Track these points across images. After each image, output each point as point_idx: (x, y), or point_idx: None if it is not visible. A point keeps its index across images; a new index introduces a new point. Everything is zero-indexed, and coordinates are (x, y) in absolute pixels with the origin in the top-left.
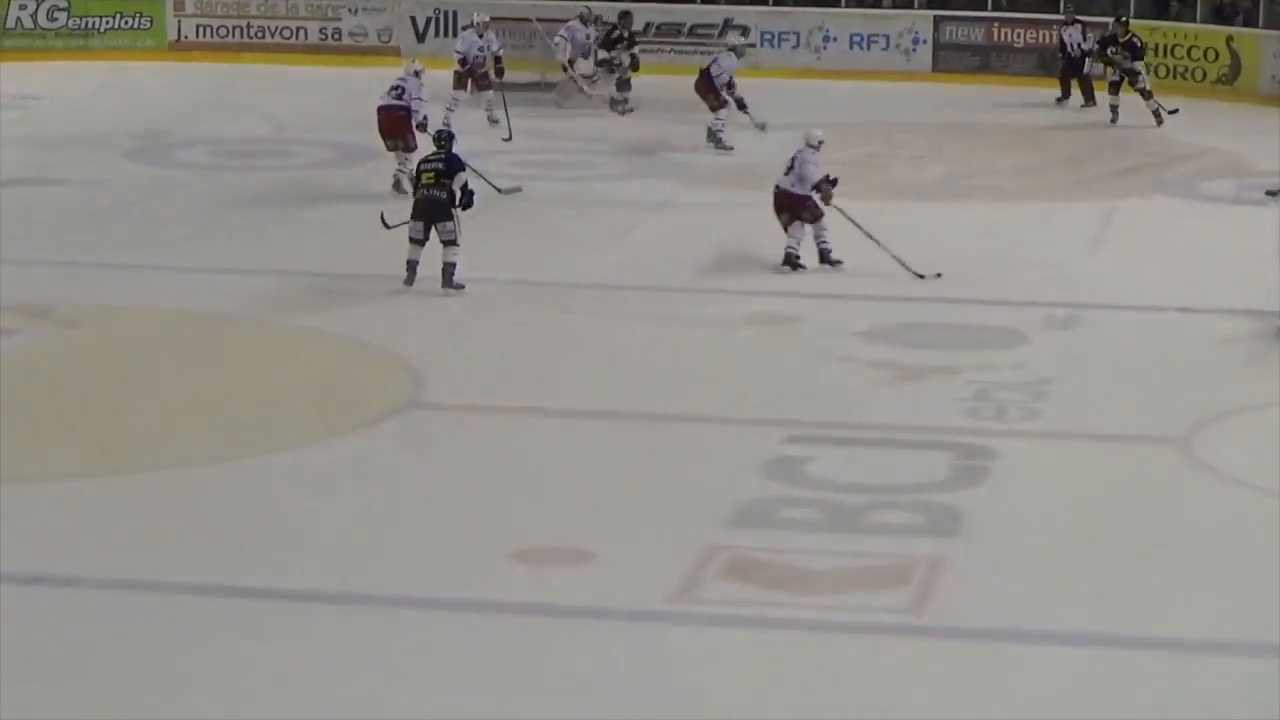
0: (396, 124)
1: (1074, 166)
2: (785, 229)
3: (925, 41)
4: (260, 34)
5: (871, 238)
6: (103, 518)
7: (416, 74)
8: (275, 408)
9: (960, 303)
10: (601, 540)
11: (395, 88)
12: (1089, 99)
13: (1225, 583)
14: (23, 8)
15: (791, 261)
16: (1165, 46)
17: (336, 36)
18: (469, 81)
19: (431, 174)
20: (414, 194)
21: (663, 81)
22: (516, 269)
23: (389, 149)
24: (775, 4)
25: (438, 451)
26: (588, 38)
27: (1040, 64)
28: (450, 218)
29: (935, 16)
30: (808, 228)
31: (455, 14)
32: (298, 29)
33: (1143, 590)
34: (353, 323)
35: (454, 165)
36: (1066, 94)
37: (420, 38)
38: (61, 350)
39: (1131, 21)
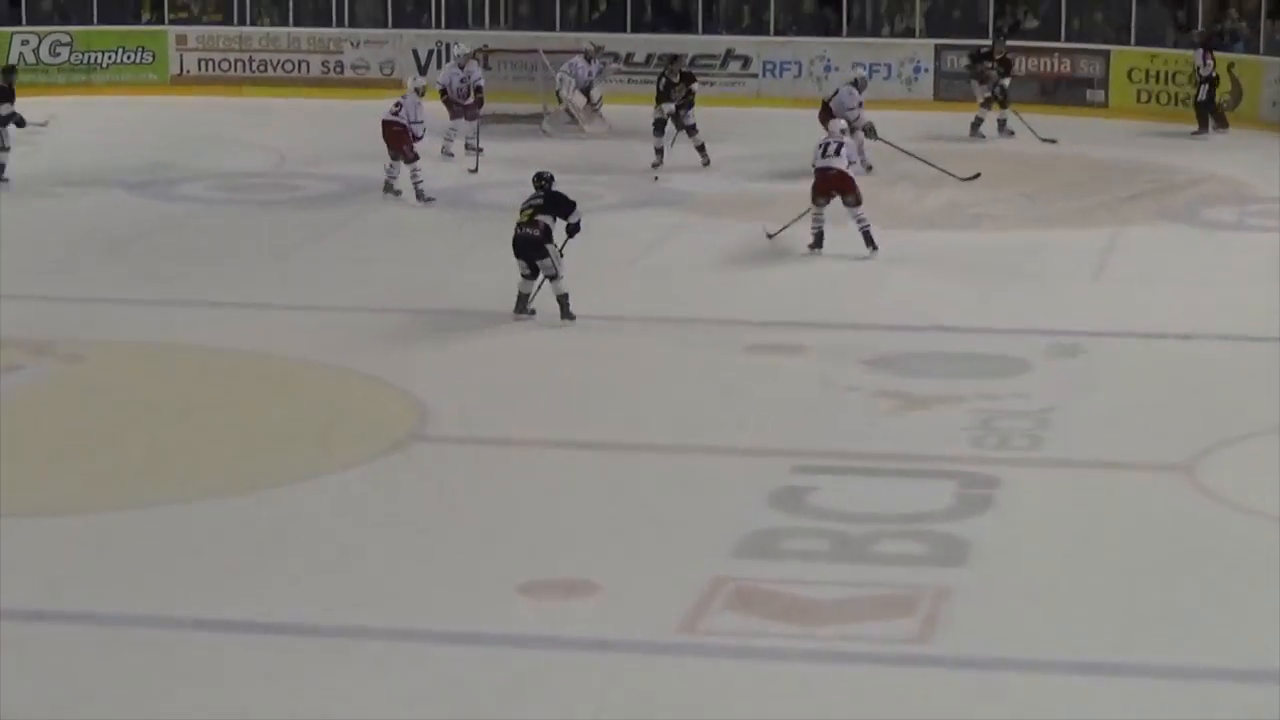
0: (394, 136)
1: (1077, 194)
2: (818, 209)
3: (927, 70)
4: (262, 67)
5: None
6: (106, 553)
7: (417, 91)
8: (279, 441)
9: (964, 331)
10: (607, 572)
11: (396, 104)
12: (1204, 126)
13: (1231, 610)
14: (25, 43)
15: (820, 241)
16: (1167, 74)
17: (339, 69)
18: (462, 111)
19: (529, 211)
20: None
21: None
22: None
23: (392, 158)
24: (777, 34)
25: (442, 484)
26: (589, 75)
27: (1041, 92)
28: (545, 254)
29: (936, 45)
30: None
31: (457, 45)
32: (300, 62)
33: (1149, 617)
34: (357, 356)
35: (558, 203)
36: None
37: (422, 70)
38: (65, 385)
39: (1135, 48)
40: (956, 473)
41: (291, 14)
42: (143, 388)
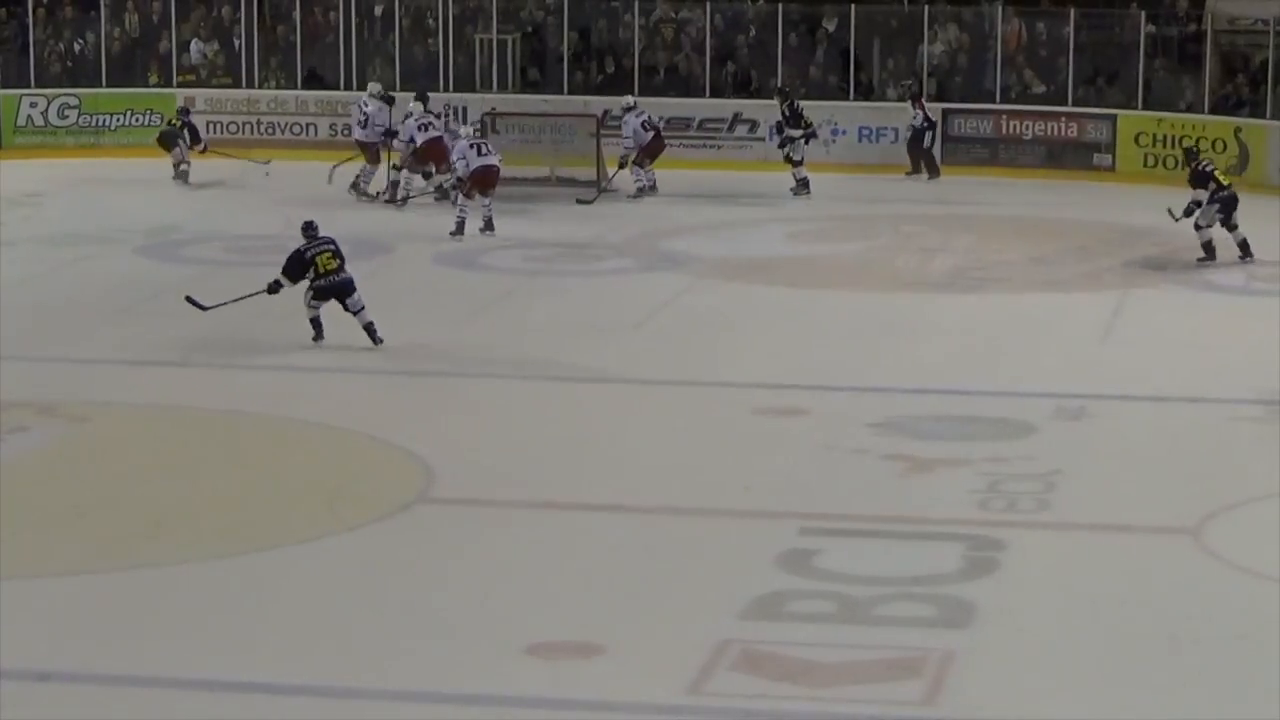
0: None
1: (1083, 257)
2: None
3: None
4: (270, 130)
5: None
6: (112, 614)
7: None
8: (286, 503)
9: (970, 394)
10: (613, 634)
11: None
12: (932, 171)
13: (1235, 673)
14: (33, 105)
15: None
16: (1174, 138)
17: (346, 132)
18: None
19: (329, 254)
20: (315, 280)
21: (674, 174)
22: (521, 363)
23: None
24: None
25: (448, 546)
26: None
27: (1049, 156)
28: (355, 290)
29: (944, 109)
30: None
31: (465, 109)
32: (308, 125)
33: (1155, 681)
34: (363, 417)
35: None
36: (917, 168)
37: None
38: (71, 446)
39: (1142, 112)
40: (963, 535)
41: (299, 77)
42: (148, 449)
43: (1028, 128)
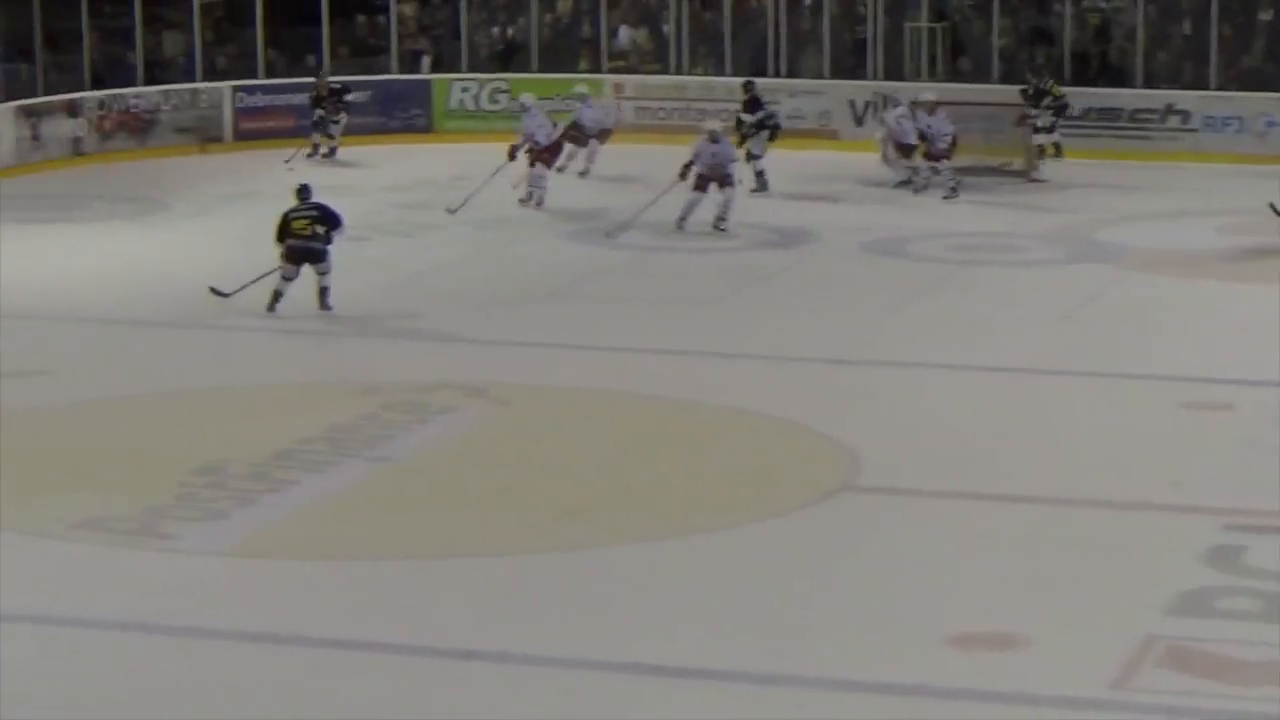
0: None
1: None
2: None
3: None
4: (700, 116)
5: None
6: (533, 595)
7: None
8: (711, 488)
9: None
10: (1035, 626)
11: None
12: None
13: None
14: (464, 90)
15: None
16: None
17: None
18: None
19: (305, 222)
20: (286, 242)
21: (1100, 165)
22: (948, 352)
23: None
24: (1218, 89)
25: (872, 534)
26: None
27: None
28: (325, 258)
29: None
30: None
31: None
32: (735, 112)
33: None
34: (789, 404)
35: (329, 215)
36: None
37: (859, 121)
38: (495, 428)
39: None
40: None
41: (729, 64)
42: (570, 433)
43: None
